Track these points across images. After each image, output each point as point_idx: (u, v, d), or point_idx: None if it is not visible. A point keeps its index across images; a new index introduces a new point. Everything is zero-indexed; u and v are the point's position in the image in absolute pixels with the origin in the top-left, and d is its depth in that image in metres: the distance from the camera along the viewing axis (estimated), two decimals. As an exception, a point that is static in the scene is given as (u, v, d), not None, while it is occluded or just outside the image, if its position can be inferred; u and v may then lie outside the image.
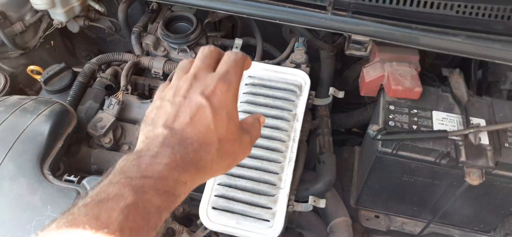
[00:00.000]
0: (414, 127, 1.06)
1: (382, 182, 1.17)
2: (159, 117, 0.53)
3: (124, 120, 1.21)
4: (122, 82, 1.26)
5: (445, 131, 1.01)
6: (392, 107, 1.09)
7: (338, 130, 1.51)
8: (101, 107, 1.19)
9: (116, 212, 0.44)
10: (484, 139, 1.02)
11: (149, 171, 0.48)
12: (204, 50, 0.58)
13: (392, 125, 1.06)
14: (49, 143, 0.97)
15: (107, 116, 1.16)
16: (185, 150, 0.50)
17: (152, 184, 0.47)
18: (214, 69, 0.57)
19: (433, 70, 1.44)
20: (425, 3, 1.11)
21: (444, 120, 1.07)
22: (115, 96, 1.19)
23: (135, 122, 1.20)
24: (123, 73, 1.28)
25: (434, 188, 1.12)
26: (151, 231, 0.47)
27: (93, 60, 1.32)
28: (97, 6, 1.55)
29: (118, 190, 0.45)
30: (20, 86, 1.51)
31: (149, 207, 0.46)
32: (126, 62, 1.33)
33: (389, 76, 1.10)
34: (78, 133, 1.13)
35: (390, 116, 1.08)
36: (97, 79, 1.27)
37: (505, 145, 1.02)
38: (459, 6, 1.10)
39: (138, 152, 0.50)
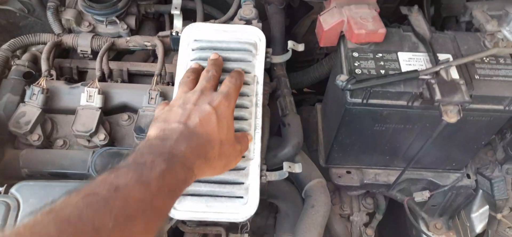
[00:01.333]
0: (382, 71, 0.98)
1: (353, 136, 1.09)
2: (171, 117, 0.67)
3: (53, 111, 1.02)
4: (43, 67, 1.06)
5: (415, 71, 0.95)
6: (355, 54, 1.01)
7: (295, 89, 1.42)
8: (22, 99, 0.99)
9: (155, 174, 0.55)
10: (454, 74, 0.96)
11: (175, 150, 0.61)
12: (208, 73, 0.80)
13: (359, 72, 0.97)
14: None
15: (30, 109, 0.97)
16: (197, 141, 0.64)
17: (179, 160, 0.60)
18: (216, 88, 0.78)
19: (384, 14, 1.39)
20: None
21: (410, 60, 1.00)
22: (37, 84, 1.00)
23: (67, 112, 1.02)
24: (43, 57, 1.08)
25: (406, 134, 1.07)
26: (175, 198, 0.61)
27: (4, 46, 1.11)
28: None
29: (153, 158, 0.57)
30: None
31: (177, 177, 0.58)
32: (45, 43, 1.13)
33: (349, 20, 1.01)
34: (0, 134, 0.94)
35: (356, 64, 0.99)
36: (13, 67, 1.07)
37: (476, 77, 0.97)
38: None
39: (161, 137, 0.63)
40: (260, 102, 0.95)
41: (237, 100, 0.93)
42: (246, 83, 0.95)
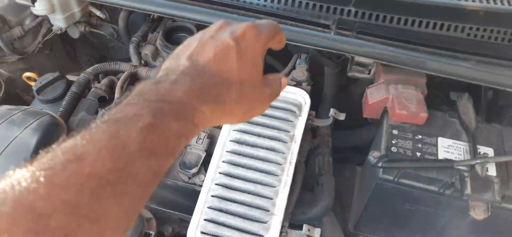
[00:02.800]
0: (418, 154, 1.00)
1: (383, 209, 1.11)
2: (184, 52, 0.54)
3: (118, 133, 1.17)
4: (117, 94, 1.22)
5: (450, 160, 0.96)
6: (395, 132, 1.04)
7: (340, 147, 1.46)
8: (94, 119, 1.15)
9: (135, 131, 0.42)
10: (492, 170, 0.96)
11: (168, 95, 0.47)
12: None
13: (395, 151, 1.01)
14: (35, 158, 0.93)
15: (99, 129, 1.12)
16: (205, 81, 0.50)
17: (171, 109, 0.46)
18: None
19: (442, 89, 1.39)
20: (435, 24, 1.06)
21: (450, 148, 1.01)
22: (108, 108, 1.15)
23: (129, 135, 1.16)
24: (118, 85, 1.24)
25: (437, 218, 1.06)
26: (169, 156, 0.45)
27: (89, 69, 1.29)
28: (98, 13, 1.52)
29: (136, 111, 0.44)
30: (17, 91, 1.49)
31: (168, 131, 0.45)
32: (122, 72, 1.30)
33: (393, 99, 1.05)
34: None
35: (393, 142, 1.02)
36: (92, 89, 1.24)
37: (515, 177, 0.96)
38: (470, 28, 1.04)
39: (157, 79, 0.49)
40: (293, 161, 1.02)
41: (271, 155, 1.01)
42: (282, 141, 1.03)
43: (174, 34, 1.38)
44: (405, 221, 1.13)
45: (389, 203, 1.08)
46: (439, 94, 1.36)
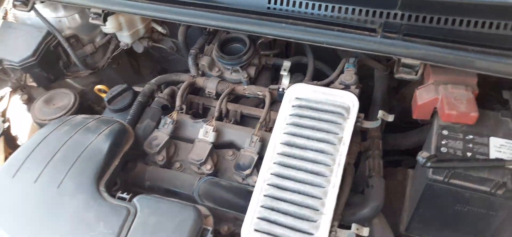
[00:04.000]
0: (469, 154, 1.00)
1: (434, 210, 1.11)
2: None
3: (178, 138, 1.27)
4: (177, 102, 1.32)
5: (501, 159, 0.95)
6: (445, 132, 1.05)
7: (393, 150, 1.46)
8: (157, 125, 1.26)
9: None
10: (548, 170, 0.94)
11: None
12: None
13: (445, 151, 1.01)
14: (106, 161, 1.05)
15: (162, 134, 1.22)
16: None
17: None
18: None
19: (497, 89, 1.35)
20: (483, 23, 1.05)
21: (502, 147, 1.00)
22: (170, 116, 1.25)
23: (188, 140, 1.26)
24: (179, 94, 1.34)
25: (490, 219, 1.05)
26: None
27: (153, 81, 1.41)
28: (160, 28, 1.65)
29: None
30: (89, 102, 1.65)
31: None
32: (182, 82, 1.40)
33: (443, 99, 1.06)
34: (136, 150, 1.21)
35: (443, 142, 1.03)
36: (155, 99, 1.35)
37: None
38: (519, 25, 1.03)
39: None
40: (342, 162, 1.05)
41: (319, 157, 1.05)
42: (331, 143, 1.07)
43: (228, 45, 1.46)
44: (457, 223, 1.12)
45: (439, 204, 1.08)
46: (494, 94, 1.33)
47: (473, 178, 0.97)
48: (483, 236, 1.12)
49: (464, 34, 1.07)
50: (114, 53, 1.66)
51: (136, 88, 1.41)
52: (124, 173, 1.17)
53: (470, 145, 1.02)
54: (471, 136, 1.03)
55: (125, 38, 1.58)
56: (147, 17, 1.54)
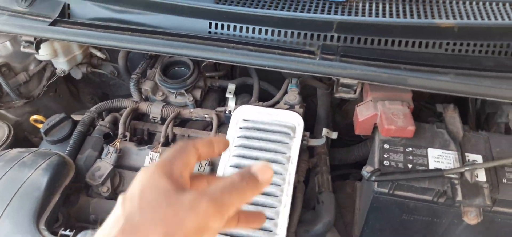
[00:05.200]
0: (410, 165, 1.05)
1: (382, 221, 1.15)
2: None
3: (123, 167, 1.22)
4: (120, 129, 1.28)
5: (440, 169, 1.00)
6: (386, 146, 1.09)
7: (340, 164, 1.50)
8: (99, 155, 1.21)
9: None
10: (481, 176, 1.00)
11: None
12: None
13: (387, 164, 1.05)
14: (46, 197, 0.99)
15: (105, 164, 1.17)
16: None
17: None
18: None
19: (432, 102, 1.44)
20: (414, 43, 1.12)
21: (439, 158, 1.06)
22: (113, 144, 1.21)
23: (133, 169, 1.22)
24: (121, 121, 1.30)
25: (434, 226, 1.10)
26: None
27: (93, 108, 1.35)
28: (99, 54, 1.60)
29: None
30: (25, 133, 1.55)
31: None
32: (125, 108, 1.36)
33: (381, 115, 1.10)
34: (78, 182, 1.15)
35: (385, 156, 1.07)
36: (97, 127, 1.30)
37: (503, 181, 1.00)
38: (447, 44, 1.11)
39: None
40: (292, 181, 1.06)
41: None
42: (280, 162, 1.08)
43: (171, 69, 1.45)
44: (405, 232, 1.17)
45: (387, 215, 1.12)
46: (431, 107, 1.41)
47: (416, 189, 1.02)
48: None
49: (397, 53, 1.14)
50: (50, 81, 1.58)
51: (76, 117, 1.35)
52: (66, 208, 1.10)
53: (410, 157, 1.07)
54: (410, 149, 1.08)
55: (61, 65, 1.51)
56: (84, 44, 1.48)
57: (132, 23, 1.27)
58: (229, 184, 0.46)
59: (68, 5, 1.32)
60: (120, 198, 0.46)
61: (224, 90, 1.53)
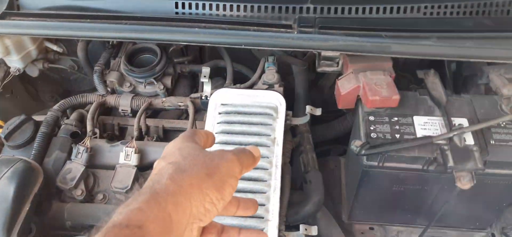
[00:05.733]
0: (397, 135, 1.03)
1: (373, 195, 1.13)
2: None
3: (96, 167, 1.13)
4: (88, 127, 1.19)
5: (429, 136, 0.99)
6: (372, 118, 1.06)
7: (320, 141, 1.47)
8: (69, 156, 1.12)
9: None
10: (469, 140, 1.00)
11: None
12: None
13: (375, 136, 1.03)
14: (15, 207, 0.90)
15: (76, 166, 1.08)
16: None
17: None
18: None
19: (407, 69, 1.43)
20: (392, 9, 1.09)
21: (426, 125, 1.04)
22: (82, 143, 1.12)
23: (107, 167, 1.13)
24: (89, 117, 1.20)
25: (425, 194, 1.09)
26: None
27: (55, 106, 1.24)
28: (55, 47, 1.47)
29: None
30: (-18, 141, 1.42)
31: None
32: (91, 103, 1.26)
33: (364, 86, 1.07)
34: (48, 188, 1.06)
35: (371, 128, 1.04)
36: (62, 126, 1.20)
37: (491, 142, 1.00)
38: (426, 7, 1.09)
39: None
40: (279, 163, 1.02)
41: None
42: (265, 145, 1.03)
43: (137, 57, 1.35)
44: (396, 203, 1.16)
45: (377, 189, 1.10)
46: (406, 75, 1.40)
47: (406, 158, 1.00)
48: (421, 211, 1.17)
49: (377, 21, 1.11)
50: (5, 81, 1.44)
51: (37, 117, 1.24)
52: (39, 217, 1.01)
53: (397, 127, 1.05)
54: (396, 118, 1.06)
55: (15, 63, 1.38)
56: (38, 36, 1.36)
57: (90, 10, 1.17)
58: (240, 149, 0.59)
59: (17, -5, 1.20)
60: (156, 162, 0.56)
61: (194, 75, 1.46)
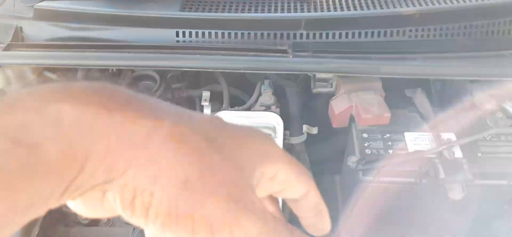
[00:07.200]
0: (390, 151, 1.08)
1: (369, 209, 1.17)
2: None
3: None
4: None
5: (420, 151, 1.04)
6: (365, 135, 1.12)
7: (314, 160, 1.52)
8: (72, 182, 1.14)
9: None
10: (458, 153, 1.05)
11: None
12: None
13: (369, 152, 1.08)
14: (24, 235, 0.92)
15: (80, 191, 1.11)
16: None
17: None
18: None
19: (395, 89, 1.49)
20: (379, 32, 1.17)
21: (417, 140, 1.10)
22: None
23: (111, 191, 1.16)
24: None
25: (420, 207, 1.14)
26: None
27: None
28: (54, 77, 1.51)
29: None
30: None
31: None
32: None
33: (357, 106, 1.13)
34: (53, 213, 1.08)
35: (365, 144, 1.10)
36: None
37: (478, 155, 1.06)
38: (410, 30, 1.16)
39: None
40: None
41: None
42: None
43: (137, 84, 1.39)
44: (394, 217, 1.20)
45: (374, 203, 1.14)
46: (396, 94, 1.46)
47: (400, 172, 1.05)
48: (419, 223, 1.21)
49: (365, 44, 1.18)
50: (4, 111, 1.47)
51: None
52: (44, 242, 1.03)
53: (390, 143, 1.10)
54: (388, 135, 1.12)
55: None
56: (41, 66, 1.39)
57: (94, 40, 1.22)
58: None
59: (21, 28, 1.24)
60: None
61: (191, 100, 1.50)
